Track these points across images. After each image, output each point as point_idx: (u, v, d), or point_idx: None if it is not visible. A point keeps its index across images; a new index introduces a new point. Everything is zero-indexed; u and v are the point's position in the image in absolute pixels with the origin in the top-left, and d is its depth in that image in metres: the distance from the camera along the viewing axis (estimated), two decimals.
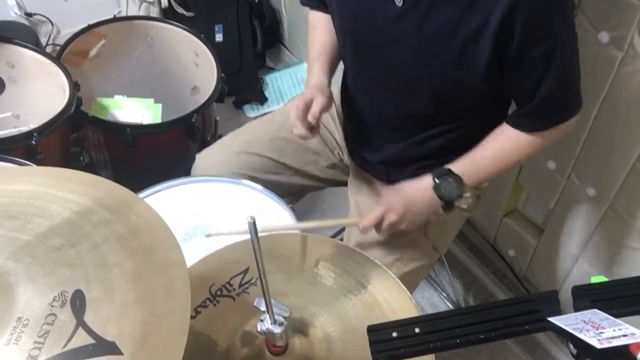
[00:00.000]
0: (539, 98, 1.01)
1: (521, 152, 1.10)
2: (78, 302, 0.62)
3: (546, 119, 1.06)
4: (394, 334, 0.61)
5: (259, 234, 0.70)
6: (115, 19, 1.86)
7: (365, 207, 1.27)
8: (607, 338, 0.52)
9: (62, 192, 0.74)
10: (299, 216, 1.21)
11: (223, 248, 0.98)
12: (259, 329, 0.78)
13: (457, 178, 1.08)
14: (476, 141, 1.12)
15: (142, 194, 1.24)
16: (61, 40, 2.07)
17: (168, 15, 2.21)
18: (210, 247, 1.00)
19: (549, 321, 0.57)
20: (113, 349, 0.59)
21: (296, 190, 1.40)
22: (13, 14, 2.23)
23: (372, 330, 0.62)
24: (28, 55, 1.56)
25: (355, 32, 1.12)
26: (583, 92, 1.06)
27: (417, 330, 0.60)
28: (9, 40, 1.56)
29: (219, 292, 0.91)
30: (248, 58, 2.37)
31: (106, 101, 1.76)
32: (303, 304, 0.89)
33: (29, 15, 2.26)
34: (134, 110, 1.76)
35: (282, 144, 1.33)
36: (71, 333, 0.59)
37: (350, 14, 1.11)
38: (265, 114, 2.34)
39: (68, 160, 1.55)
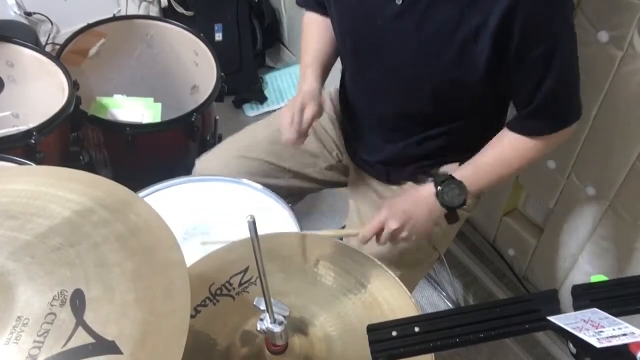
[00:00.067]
0: (540, 99, 1.01)
1: (523, 157, 1.09)
2: (78, 302, 0.62)
3: (547, 122, 1.06)
4: (394, 334, 0.61)
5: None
6: (115, 19, 1.85)
7: (365, 208, 1.27)
8: (607, 337, 0.52)
9: (62, 192, 0.74)
10: (299, 217, 1.21)
11: (223, 248, 0.98)
12: (259, 329, 0.79)
13: (459, 185, 1.07)
14: (476, 141, 1.12)
15: (142, 194, 1.24)
16: (61, 40, 2.07)
17: (168, 14, 2.21)
18: (210, 247, 1.00)
19: (549, 320, 0.57)
20: (113, 348, 0.59)
21: (295, 192, 1.40)
22: (13, 13, 2.23)
23: (372, 329, 0.62)
24: (28, 54, 1.56)
25: (355, 33, 1.12)
26: (583, 92, 1.05)
27: (417, 329, 0.61)
28: (8, 39, 1.56)
29: (219, 292, 0.91)
30: (248, 57, 2.36)
31: (106, 100, 1.75)
32: (303, 303, 0.89)
33: (28, 14, 2.26)
34: (133, 109, 1.76)
35: (281, 148, 1.33)
36: (71, 332, 0.59)
37: (349, 16, 1.11)
38: (265, 113, 2.34)
39: (68, 159, 1.55)
